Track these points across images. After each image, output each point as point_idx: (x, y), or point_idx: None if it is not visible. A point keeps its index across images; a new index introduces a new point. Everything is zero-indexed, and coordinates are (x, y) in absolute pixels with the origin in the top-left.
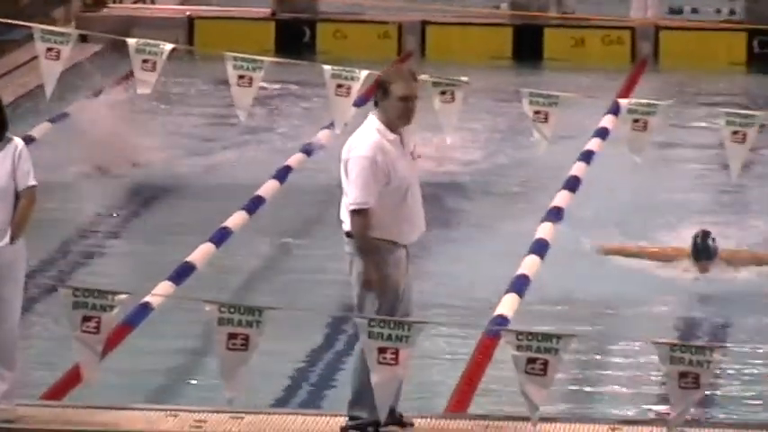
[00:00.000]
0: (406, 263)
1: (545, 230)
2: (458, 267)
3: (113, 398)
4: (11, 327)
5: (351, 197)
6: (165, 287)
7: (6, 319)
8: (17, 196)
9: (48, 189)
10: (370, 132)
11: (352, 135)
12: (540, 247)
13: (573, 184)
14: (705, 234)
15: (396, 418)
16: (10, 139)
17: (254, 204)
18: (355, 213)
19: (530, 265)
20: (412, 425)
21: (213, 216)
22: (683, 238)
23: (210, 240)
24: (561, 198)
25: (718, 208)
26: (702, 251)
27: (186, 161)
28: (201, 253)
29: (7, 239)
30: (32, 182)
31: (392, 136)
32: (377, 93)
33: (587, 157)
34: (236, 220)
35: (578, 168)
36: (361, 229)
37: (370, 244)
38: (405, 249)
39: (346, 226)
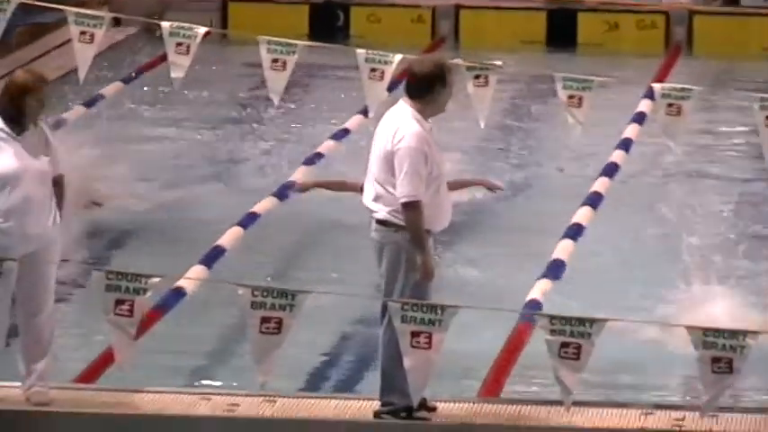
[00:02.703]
0: (433, 250)
1: (582, 215)
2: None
3: (146, 381)
4: (50, 307)
5: (403, 190)
6: (197, 271)
7: (47, 300)
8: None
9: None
10: (411, 122)
11: (385, 123)
12: (575, 232)
13: (610, 172)
14: None
15: (421, 402)
16: (41, 126)
17: (284, 190)
18: (409, 206)
19: (563, 249)
20: (435, 408)
21: (244, 200)
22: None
23: (239, 224)
24: (600, 185)
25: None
26: None
27: (218, 142)
28: (231, 237)
29: (57, 220)
30: (62, 169)
31: (428, 125)
32: (434, 84)
33: (626, 144)
34: (264, 205)
35: (617, 156)
36: (418, 221)
37: (425, 235)
38: (433, 238)
39: (380, 214)
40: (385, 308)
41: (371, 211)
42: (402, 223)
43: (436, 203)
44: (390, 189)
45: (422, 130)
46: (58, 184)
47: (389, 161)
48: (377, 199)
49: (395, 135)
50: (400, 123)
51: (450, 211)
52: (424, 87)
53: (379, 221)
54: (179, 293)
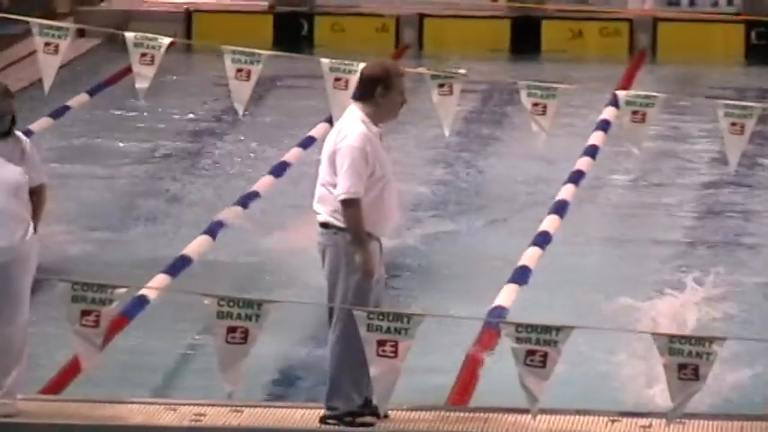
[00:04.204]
0: (380, 254)
1: (549, 223)
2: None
3: (113, 392)
4: (23, 320)
5: (342, 187)
6: (160, 280)
7: (21, 313)
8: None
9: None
10: (356, 123)
11: (335, 126)
12: (544, 239)
13: (576, 178)
14: None
15: (372, 408)
16: (16, 136)
17: (249, 199)
18: (348, 203)
19: (531, 256)
20: (387, 416)
21: (212, 205)
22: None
23: (206, 233)
24: (566, 192)
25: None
26: None
27: (182, 152)
28: (197, 246)
29: (31, 232)
30: (44, 178)
31: (375, 129)
32: (375, 86)
33: (592, 151)
34: (230, 214)
35: (583, 163)
36: (356, 219)
37: (364, 233)
38: (378, 242)
39: (322, 216)
40: (331, 312)
41: (316, 214)
42: (341, 225)
43: (380, 206)
44: (332, 189)
45: (366, 131)
46: (36, 194)
47: (333, 161)
48: (321, 200)
49: (338, 134)
50: (345, 124)
51: (397, 216)
52: (366, 89)
53: (322, 224)
54: (142, 302)
